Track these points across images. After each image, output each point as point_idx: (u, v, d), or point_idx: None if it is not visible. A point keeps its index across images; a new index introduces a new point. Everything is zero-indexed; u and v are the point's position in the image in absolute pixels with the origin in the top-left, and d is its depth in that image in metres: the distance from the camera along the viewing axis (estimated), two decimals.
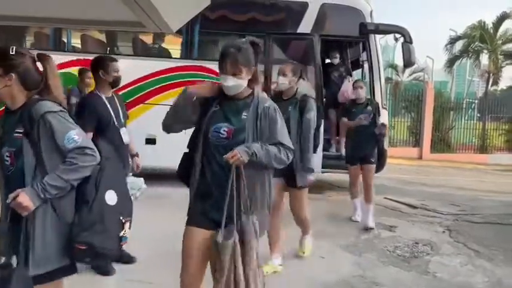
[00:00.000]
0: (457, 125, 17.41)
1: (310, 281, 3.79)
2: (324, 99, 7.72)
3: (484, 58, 22.05)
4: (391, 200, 7.41)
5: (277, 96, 3.75)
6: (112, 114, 3.50)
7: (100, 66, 3.53)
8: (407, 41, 7.30)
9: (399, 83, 27.32)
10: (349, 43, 8.54)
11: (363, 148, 5.50)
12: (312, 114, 3.65)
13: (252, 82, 2.32)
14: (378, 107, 5.72)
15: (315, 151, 3.80)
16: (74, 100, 5.24)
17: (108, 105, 3.51)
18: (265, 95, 2.39)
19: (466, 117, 18.39)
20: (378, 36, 7.67)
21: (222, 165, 2.17)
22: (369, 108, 5.54)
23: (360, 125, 5.41)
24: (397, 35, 7.60)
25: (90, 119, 3.40)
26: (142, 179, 3.55)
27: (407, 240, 5.05)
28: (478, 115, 18.62)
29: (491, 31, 21.11)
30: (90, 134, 3.41)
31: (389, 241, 5.02)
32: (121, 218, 1.98)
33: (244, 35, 9.12)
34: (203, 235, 2.21)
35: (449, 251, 4.81)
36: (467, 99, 20.56)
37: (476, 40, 21.04)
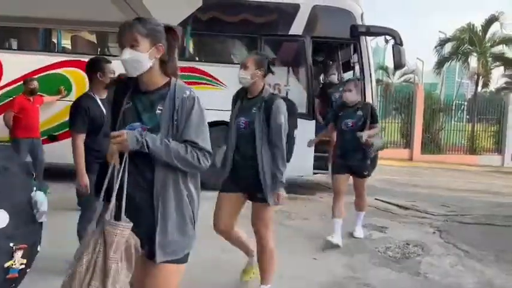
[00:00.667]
0: (446, 126, 17.61)
1: (303, 282, 3.79)
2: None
3: (473, 60, 22.25)
4: (382, 201, 7.45)
5: (239, 95, 3.22)
6: (106, 116, 3.48)
7: (98, 67, 3.52)
8: (398, 43, 7.36)
9: (390, 84, 27.49)
10: (341, 45, 8.58)
11: (352, 158, 4.82)
12: (282, 118, 3.01)
13: (166, 67, 1.91)
14: (372, 111, 4.88)
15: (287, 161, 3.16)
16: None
17: (102, 107, 3.49)
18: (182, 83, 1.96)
19: (456, 119, 18.61)
20: (368, 38, 7.72)
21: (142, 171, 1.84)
22: (359, 113, 4.78)
23: (347, 132, 4.78)
24: (388, 37, 7.66)
25: (83, 120, 3.38)
26: (46, 188, 3.01)
27: (399, 241, 5.08)
28: (468, 117, 18.83)
29: (480, 34, 21.33)
30: (83, 136, 3.39)
31: (380, 242, 5.04)
32: (11, 244, 1.73)
33: (236, 37, 9.25)
34: None
35: (440, 251, 4.84)
36: (457, 101, 20.76)
37: (466, 42, 21.23)
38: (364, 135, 4.58)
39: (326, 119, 5.30)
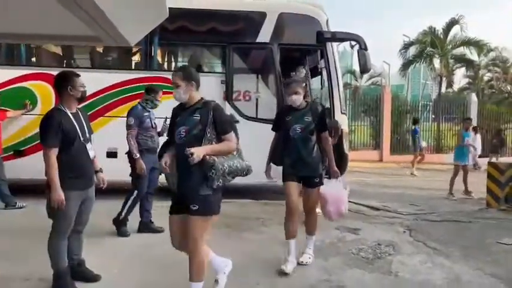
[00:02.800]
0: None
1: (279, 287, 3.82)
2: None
3: (437, 62, 22.98)
4: (354, 203, 7.58)
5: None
6: (78, 129, 3.43)
7: (68, 81, 3.45)
8: (363, 48, 7.55)
9: (358, 87, 28.07)
10: (308, 51, 8.72)
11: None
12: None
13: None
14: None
15: None
16: (132, 121, 5.16)
17: (74, 121, 3.44)
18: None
19: (422, 119, 19.09)
20: (334, 44, 7.88)
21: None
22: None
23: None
24: (353, 42, 7.85)
25: (56, 134, 3.32)
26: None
27: (371, 242, 5.19)
28: (433, 116, 19.37)
29: (442, 36, 22.07)
30: (56, 150, 3.32)
31: (353, 244, 5.14)
32: None
33: (204, 46, 9.25)
34: None
35: (410, 250, 4.98)
36: (423, 102, 21.34)
37: (428, 45, 21.93)
38: (196, 154, 2.87)
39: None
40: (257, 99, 7.71)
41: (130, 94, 7.31)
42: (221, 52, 7.97)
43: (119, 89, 7.37)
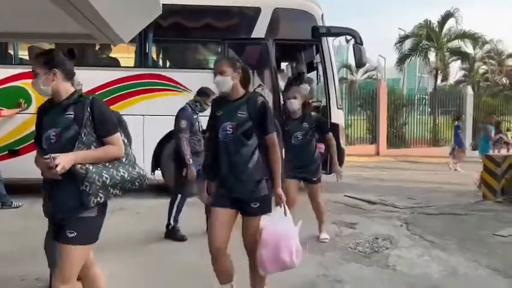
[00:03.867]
0: (410, 120, 18.11)
1: (275, 284, 3.84)
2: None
3: (432, 55, 23.00)
4: (351, 197, 7.62)
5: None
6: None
7: None
8: (358, 42, 7.54)
9: (354, 82, 28.08)
10: (303, 46, 8.71)
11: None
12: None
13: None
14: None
15: None
16: (185, 124, 4.91)
17: None
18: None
19: (418, 113, 19.16)
20: (330, 39, 7.88)
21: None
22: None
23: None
24: (348, 37, 7.84)
25: None
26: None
27: (368, 236, 5.22)
28: (430, 110, 19.42)
29: (437, 29, 22.07)
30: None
31: (350, 238, 5.16)
32: None
33: (199, 42, 9.19)
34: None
35: (407, 243, 5.01)
36: (419, 95, 21.41)
37: (424, 38, 21.93)
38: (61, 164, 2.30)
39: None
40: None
41: (125, 92, 7.29)
42: (216, 48, 7.95)
43: (114, 86, 7.33)
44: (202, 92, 5.16)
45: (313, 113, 4.84)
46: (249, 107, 2.91)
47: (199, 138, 5.07)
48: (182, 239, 4.95)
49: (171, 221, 4.99)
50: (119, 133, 2.47)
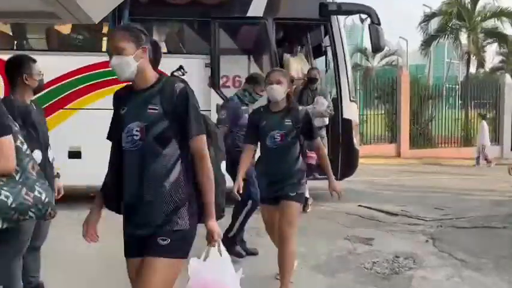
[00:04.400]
0: (437, 115, 18.11)
1: None
2: None
3: (464, 37, 23.09)
4: (366, 207, 7.63)
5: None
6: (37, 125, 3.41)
7: (23, 68, 3.41)
8: (375, 22, 7.55)
9: (370, 69, 28.15)
10: (309, 27, 8.71)
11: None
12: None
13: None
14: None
15: None
16: (224, 115, 4.92)
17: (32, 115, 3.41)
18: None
19: (447, 106, 19.18)
20: (341, 18, 7.89)
21: None
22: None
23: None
24: (363, 16, 7.85)
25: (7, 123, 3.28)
26: None
27: (387, 254, 5.22)
28: (461, 102, 19.45)
29: (469, 7, 22.13)
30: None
31: (366, 257, 5.16)
32: None
33: (185, 21, 9.17)
34: None
35: (434, 263, 5.02)
36: (448, 85, 21.40)
37: (454, 17, 21.98)
38: None
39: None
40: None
41: (96, 81, 7.29)
42: (205, 29, 7.94)
43: (83, 75, 7.33)
44: (252, 79, 5.14)
45: (301, 108, 4.07)
46: (163, 98, 2.34)
47: None
48: (239, 254, 4.87)
49: (235, 229, 4.96)
50: (6, 137, 2.17)
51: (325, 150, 4.39)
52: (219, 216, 2.51)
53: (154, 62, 2.45)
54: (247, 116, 4.77)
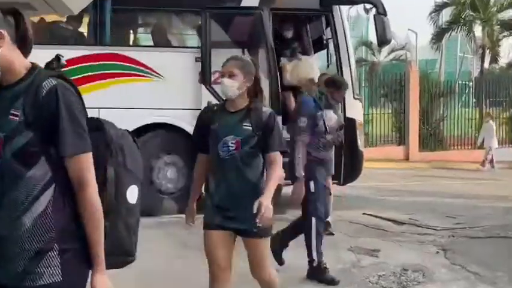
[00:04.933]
0: (449, 114, 18.14)
1: None
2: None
3: (478, 29, 23.14)
4: (371, 215, 7.64)
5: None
6: None
7: None
8: (381, 12, 7.58)
9: (376, 64, 28.19)
10: (309, 18, 8.73)
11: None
12: None
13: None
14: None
15: None
16: (305, 122, 4.68)
17: None
18: None
19: (460, 104, 19.21)
20: (344, 7, 7.92)
21: None
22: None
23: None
24: (368, 6, 7.87)
25: None
26: None
27: (394, 267, 5.23)
28: (475, 100, 19.49)
29: None
30: None
31: (371, 270, 5.18)
32: None
33: (173, 12, 9.14)
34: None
35: (445, 276, 5.05)
36: (461, 81, 21.44)
37: (467, 7, 22.04)
38: None
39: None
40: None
41: (75, 77, 7.25)
42: (195, 20, 7.95)
43: None
44: (332, 83, 5.03)
45: (265, 109, 3.28)
46: (26, 99, 1.81)
47: (324, 142, 4.87)
48: (333, 281, 4.75)
49: (314, 256, 4.78)
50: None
51: (278, 171, 3.20)
52: (122, 262, 2.04)
53: (23, 46, 1.87)
54: (323, 123, 4.76)
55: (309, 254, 4.81)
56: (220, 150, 3.17)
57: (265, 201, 2.92)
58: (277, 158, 3.18)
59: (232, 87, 3.19)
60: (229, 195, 3.19)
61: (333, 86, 5.00)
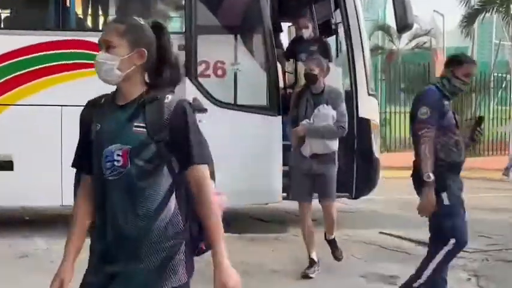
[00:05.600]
0: (482, 112, 18.13)
1: None
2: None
3: None
4: (389, 235, 7.62)
5: None
6: None
7: None
8: None
9: (395, 53, 28.21)
10: None
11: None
12: None
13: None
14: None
15: None
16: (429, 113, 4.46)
17: None
18: None
19: (496, 101, 19.24)
20: None
21: None
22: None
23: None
24: None
25: None
26: None
27: None
28: None
29: None
30: None
31: None
32: None
33: None
34: None
35: None
36: (496, 74, 21.44)
37: None
38: None
39: None
40: (235, 75, 7.70)
41: (33, 69, 7.25)
42: (178, 2, 7.95)
43: (14, 60, 7.30)
44: (452, 60, 4.71)
45: (171, 99, 2.44)
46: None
47: (456, 140, 4.63)
48: None
49: (422, 278, 4.60)
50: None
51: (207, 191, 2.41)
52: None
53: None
54: (452, 115, 4.59)
55: (419, 270, 4.67)
56: (104, 166, 2.40)
57: (228, 278, 2.30)
58: (204, 174, 2.40)
59: (107, 65, 2.40)
60: (117, 238, 2.41)
61: (455, 63, 4.63)
